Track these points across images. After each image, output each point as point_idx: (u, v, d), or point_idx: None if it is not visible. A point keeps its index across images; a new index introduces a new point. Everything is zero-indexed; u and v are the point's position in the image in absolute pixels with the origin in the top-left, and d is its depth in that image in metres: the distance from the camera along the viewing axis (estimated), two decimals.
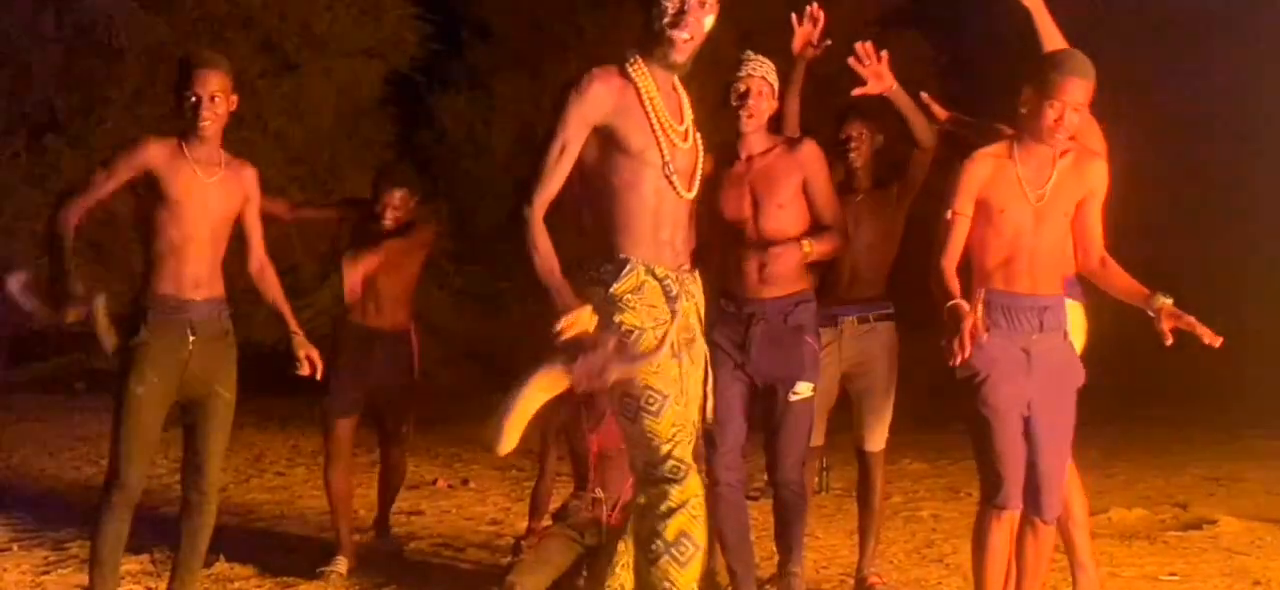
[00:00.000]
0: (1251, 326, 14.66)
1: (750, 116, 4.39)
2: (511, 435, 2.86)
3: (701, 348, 3.22)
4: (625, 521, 4.82)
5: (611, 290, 2.99)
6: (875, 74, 4.56)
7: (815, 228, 4.44)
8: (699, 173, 3.13)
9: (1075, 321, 4.15)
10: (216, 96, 4.10)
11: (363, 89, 12.83)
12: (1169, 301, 3.67)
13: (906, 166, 4.89)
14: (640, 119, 2.97)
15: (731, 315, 4.42)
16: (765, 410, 4.52)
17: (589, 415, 5.06)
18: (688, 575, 2.88)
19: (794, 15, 4.69)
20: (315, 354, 4.28)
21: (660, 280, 3.03)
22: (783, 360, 4.41)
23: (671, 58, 2.97)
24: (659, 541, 2.89)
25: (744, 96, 4.38)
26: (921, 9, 13.39)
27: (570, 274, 3.04)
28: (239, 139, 12.24)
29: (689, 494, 2.89)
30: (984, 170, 3.83)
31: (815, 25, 4.66)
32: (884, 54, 4.60)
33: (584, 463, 5.08)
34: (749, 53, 4.45)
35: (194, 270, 4.12)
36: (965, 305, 3.65)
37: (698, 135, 3.12)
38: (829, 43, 4.64)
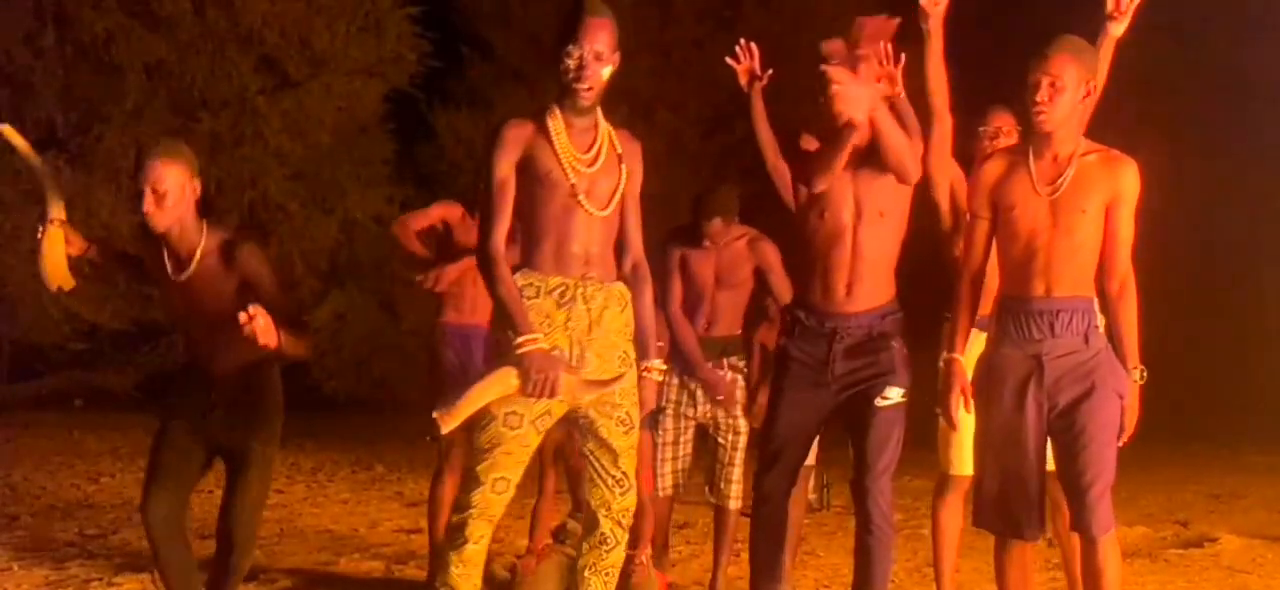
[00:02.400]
0: (1255, 345, 14.74)
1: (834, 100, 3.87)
2: (458, 418, 3.33)
3: (613, 347, 3.52)
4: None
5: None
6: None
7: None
8: (618, 193, 3.54)
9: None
10: (166, 193, 3.72)
11: (363, 106, 12.86)
12: (1137, 377, 3.69)
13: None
14: (548, 151, 3.47)
15: (811, 330, 4.11)
16: (850, 419, 4.12)
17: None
18: (460, 557, 3.45)
19: (729, 57, 4.58)
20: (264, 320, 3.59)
21: (552, 290, 3.46)
22: (869, 363, 4.05)
23: (578, 104, 3.46)
24: (447, 533, 3.54)
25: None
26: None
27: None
28: (239, 156, 12.37)
29: (473, 501, 3.44)
30: (995, 169, 3.77)
31: (752, 58, 4.55)
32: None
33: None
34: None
35: (205, 350, 3.96)
36: (959, 364, 3.81)
37: (620, 163, 3.54)
38: (770, 72, 4.54)
